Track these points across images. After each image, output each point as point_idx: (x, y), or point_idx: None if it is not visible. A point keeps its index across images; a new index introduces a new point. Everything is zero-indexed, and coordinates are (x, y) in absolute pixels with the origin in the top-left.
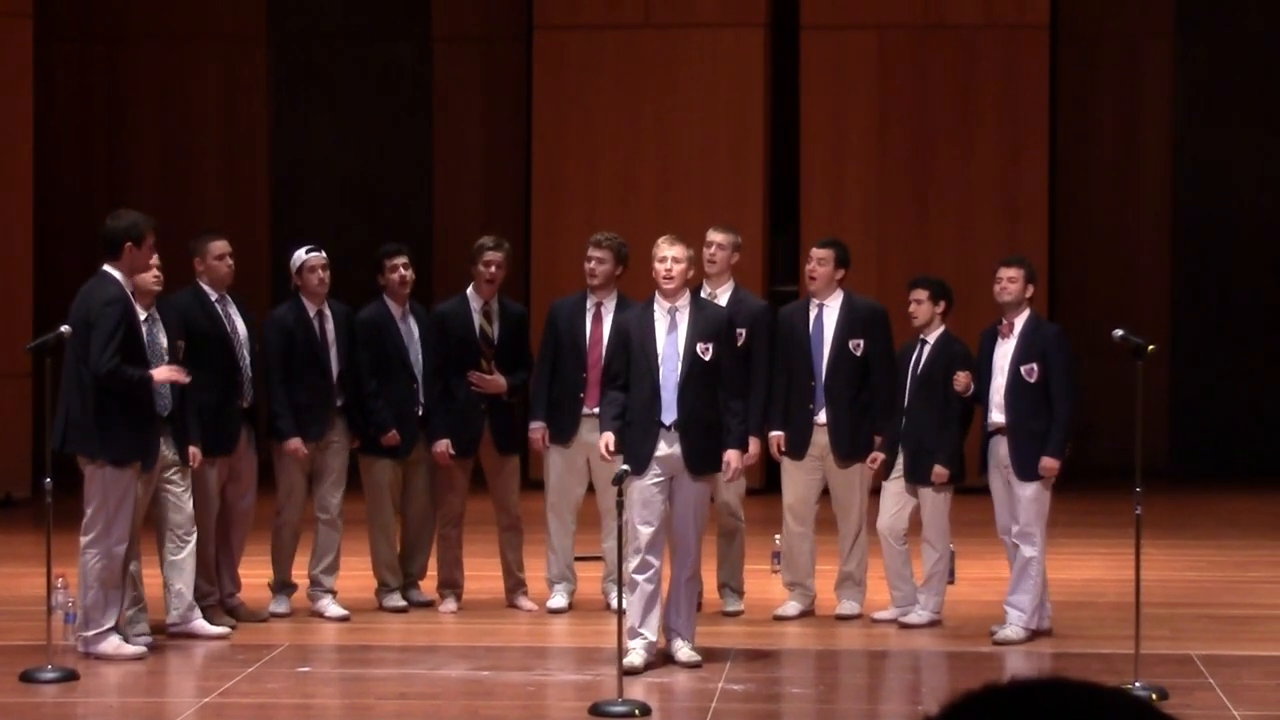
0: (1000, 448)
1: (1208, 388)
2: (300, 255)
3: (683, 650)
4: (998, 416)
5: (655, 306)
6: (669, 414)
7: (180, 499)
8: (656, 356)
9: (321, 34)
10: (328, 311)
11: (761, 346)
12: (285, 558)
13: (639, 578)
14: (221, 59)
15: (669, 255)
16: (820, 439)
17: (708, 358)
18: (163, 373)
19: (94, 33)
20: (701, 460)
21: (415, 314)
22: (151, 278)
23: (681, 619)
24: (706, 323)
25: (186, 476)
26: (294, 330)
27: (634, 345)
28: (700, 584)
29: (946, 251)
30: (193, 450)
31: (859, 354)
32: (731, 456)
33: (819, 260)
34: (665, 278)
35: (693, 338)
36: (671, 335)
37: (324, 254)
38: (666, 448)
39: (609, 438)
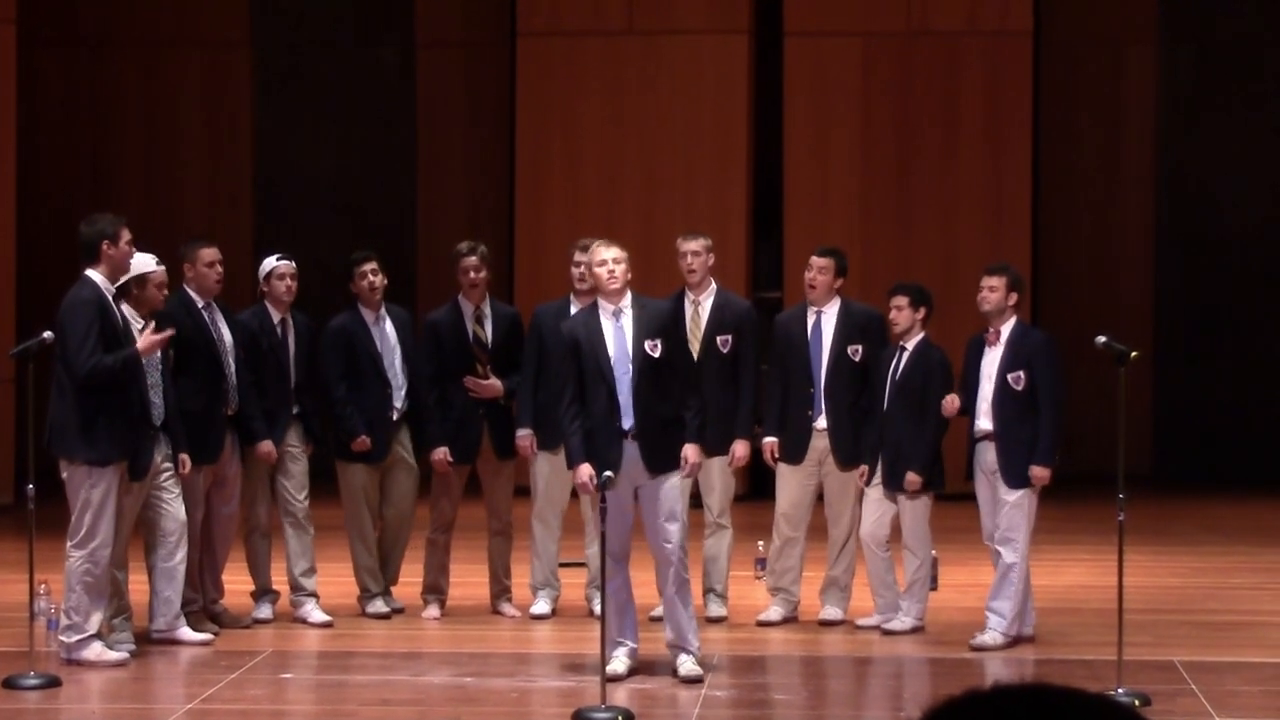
0: (987, 454)
1: (1190, 394)
2: (270, 262)
3: (685, 664)
4: (985, 424)
5: (600, 311)
6: (627, 419)
7: (172, 505)
8: (610, 362)
9: (305, 40)
10: (290, 320)
11: (748, 348)
12: (262, 564)
13: (608, 589)
14: (205, 65)
15: (608, 258)
16: (820, 444)
17: (656, 354)
18: (144, 341)
19: (78, 38)
20: (662, 460)
21: (394, 318)
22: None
23: (685, 633)
24: (651, 320)
25: (178, 483)
26: (258, 336)
27: (585, 353)
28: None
29: (930, 257)
30: (182, 458)
31: (857, 360)
32: (690, 451)
33: (820, 269)
34: (609, 279)
35: (639, 336)
36: (619, 338)
37: (293, 263)
38: (627, 454)
39: (590, 471)
